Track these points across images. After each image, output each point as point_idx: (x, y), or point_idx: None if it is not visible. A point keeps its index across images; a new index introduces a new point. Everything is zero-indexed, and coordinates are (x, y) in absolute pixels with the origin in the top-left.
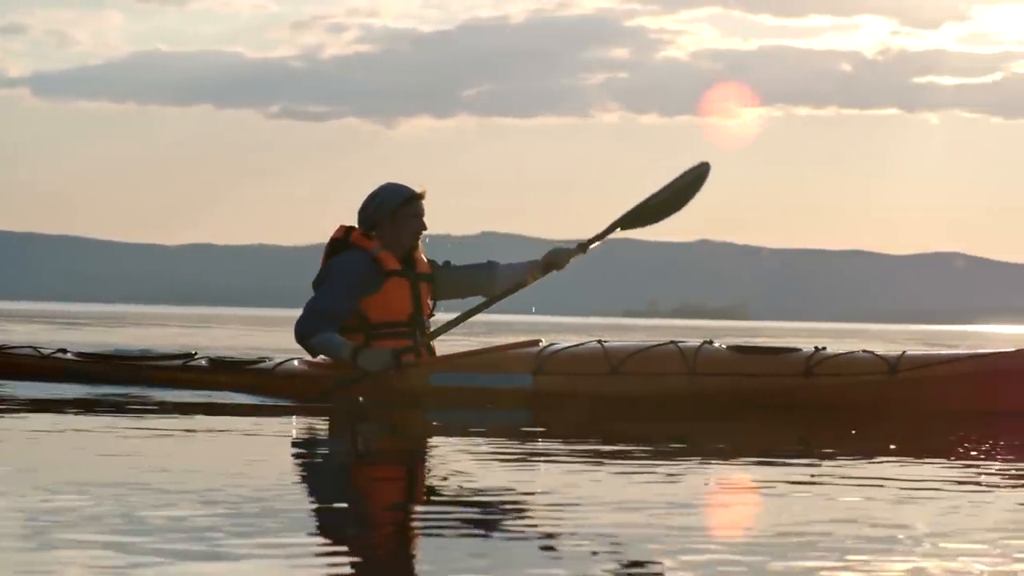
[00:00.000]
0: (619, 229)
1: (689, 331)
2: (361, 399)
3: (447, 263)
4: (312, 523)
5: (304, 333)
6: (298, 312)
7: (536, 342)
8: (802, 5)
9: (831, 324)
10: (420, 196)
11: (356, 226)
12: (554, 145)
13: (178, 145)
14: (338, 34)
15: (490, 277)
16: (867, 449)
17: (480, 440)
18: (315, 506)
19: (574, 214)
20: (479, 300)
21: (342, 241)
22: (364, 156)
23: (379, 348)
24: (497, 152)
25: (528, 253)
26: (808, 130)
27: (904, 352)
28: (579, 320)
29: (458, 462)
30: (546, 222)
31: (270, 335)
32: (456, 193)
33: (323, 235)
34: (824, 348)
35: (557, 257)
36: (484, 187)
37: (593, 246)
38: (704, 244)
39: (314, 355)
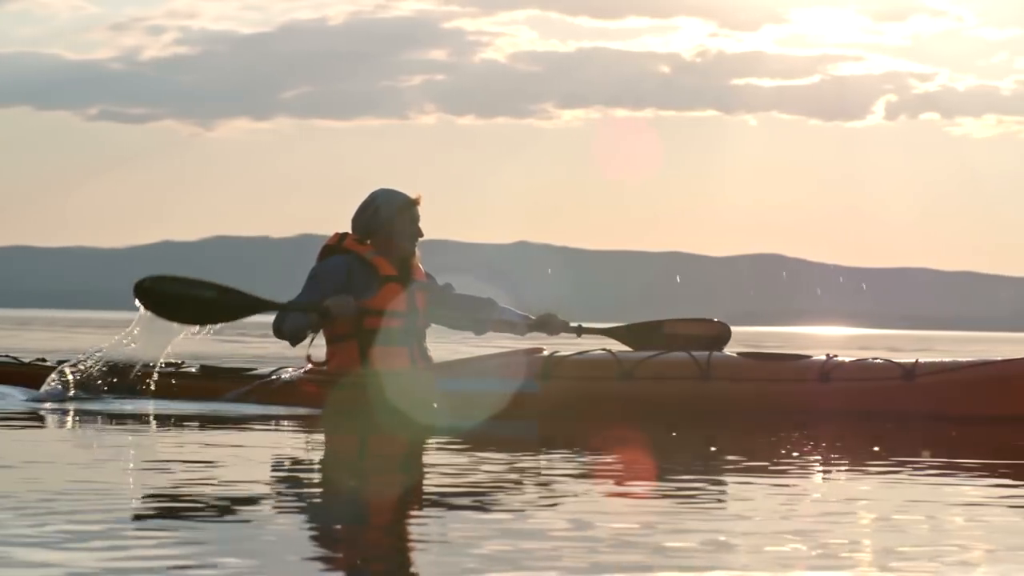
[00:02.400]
0: (612, 337)
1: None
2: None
3: (448, 285)
4: (311, 531)
5: (278, 326)
6: (123, 314)
7: (540, 350)
8: (620, 7)
9: None
10: (416, 202)
11: (350, 232)
12: (372, 147)
13: None
14: (157, 36)
15: (482, 322)
16: (884, 455)
17: (486, 444)
18: (317, 515)
19: None
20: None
21: (335, 247)
22: (182, 158)
23: (344, 297)
24: (315, 154)
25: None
26: (627, 132)
27: (918, 359)
28: None
29: (462, 466)
30: None
31: (91, 337)
32: (274, 195)
33: (142, 237)
34: (836, 355)
35: (553, 322)
36: (302, 189)
37: (583, 334)
38: (523, 246)
39: (293, 343)
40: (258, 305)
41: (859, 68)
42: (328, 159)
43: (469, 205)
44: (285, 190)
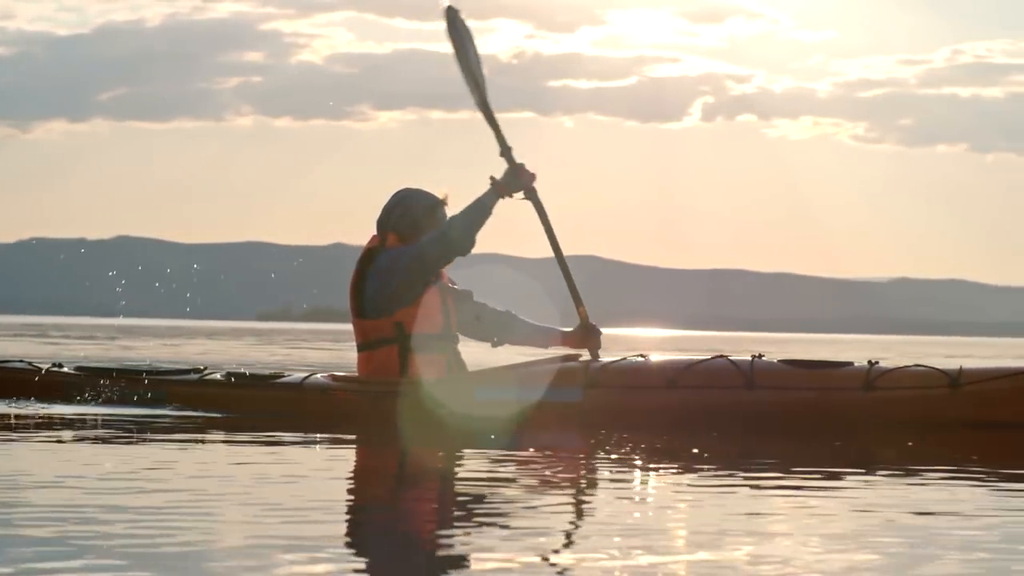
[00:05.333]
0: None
1: (325, 333)
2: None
3: (468, 292)
4: (345, 544)
5: (442, 234)
6: None
7: (576, 356)
8: (436, 9)
9: None
10: (444, 202)
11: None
12: (189, 148)
13: None
14: None
15: (502, 335)
16: (927, 463)
17: (526, 455)
18: (351, 528)
19: (208, 217)
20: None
21: (378, 248)
22: None
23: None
24: (132, 156)
25: (161, 257)
26: (442, 134)
27: (962, 366)
28: (236, 324)
29: (500, 478)
30: (180, 226)
31: None
32: (91, 197)
33: None
34: (878, 362)
35: (592, 340)
36: (119, 191)
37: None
38: (339, 247)
39: (457, 244)
40: (483, 104)
41: (676, 70)
42: (144, 161)
43: (285, 207)
44: (102, 191)
